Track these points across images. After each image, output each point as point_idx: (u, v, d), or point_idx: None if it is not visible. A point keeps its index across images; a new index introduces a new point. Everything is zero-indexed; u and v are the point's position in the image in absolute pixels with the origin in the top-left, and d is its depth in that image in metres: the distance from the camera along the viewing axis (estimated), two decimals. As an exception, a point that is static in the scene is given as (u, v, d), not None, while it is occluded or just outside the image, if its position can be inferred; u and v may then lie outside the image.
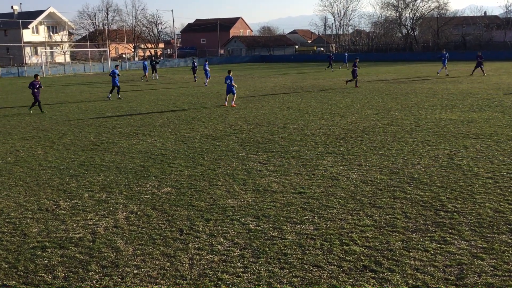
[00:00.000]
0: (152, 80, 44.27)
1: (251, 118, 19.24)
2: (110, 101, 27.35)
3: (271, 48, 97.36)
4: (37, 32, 77.17)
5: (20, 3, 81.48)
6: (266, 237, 7.43)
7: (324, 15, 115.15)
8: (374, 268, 6.35)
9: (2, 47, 70.22)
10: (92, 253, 7.05)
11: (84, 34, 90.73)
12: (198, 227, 7.93)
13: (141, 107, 24.16)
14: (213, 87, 34.62)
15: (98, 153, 13.65)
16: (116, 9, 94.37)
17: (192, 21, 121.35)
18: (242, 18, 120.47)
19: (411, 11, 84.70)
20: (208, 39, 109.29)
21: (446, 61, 39.06)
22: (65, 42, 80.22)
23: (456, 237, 7.23)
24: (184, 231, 7.77)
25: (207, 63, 38.67)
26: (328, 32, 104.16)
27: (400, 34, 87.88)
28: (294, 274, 6.25)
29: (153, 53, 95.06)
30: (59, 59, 77.05)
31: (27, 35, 72.67)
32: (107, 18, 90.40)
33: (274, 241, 7.27)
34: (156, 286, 6.07)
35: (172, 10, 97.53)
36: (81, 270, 6.52)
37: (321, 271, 6.31)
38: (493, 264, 6.37)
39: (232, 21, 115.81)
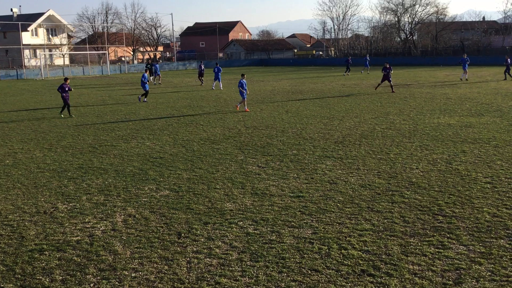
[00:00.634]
0: (149, 82, 44.33)
1: (250, 122, 19.25)
2: (108, 105, 27.34)
3: (270, 52, 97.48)
4: (36, 34, 77.22)
5: (20, 6, 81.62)
6: (264, 241, 7.42)
7: (323, 19, 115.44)
8: (372, 272, 6.35)
9: (1, 50, 70.27)
10: (90, 256, 7.04)
11: (83, 37, 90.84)
12: (196, 230, 7.93)
13: (140, 110, 24.16)
14: (212, 90, 34.64)
15: (97, 156, 13.64)
16: (115, 12, 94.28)
17: (191, 24, 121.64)
18: (241, 22, 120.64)
19: (409, 16, 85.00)
20: (207, 43, 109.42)
21: (467, 65, 37.82)
22: (64, 45, 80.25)
23: (454, 242, 7.23)
24: (182, 235, 7.76)
25: (218, 66, 36.97)
26: (327, 36, 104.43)
27: (398, 39, 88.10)
28: (292, 278, 6.24)
29: (151, 57, 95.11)
30: (58, 61, 77.07)
31: (26, 37, 72.70)
32: (107, 21, 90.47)
33: (272, 245, 7.26)
34: (153, 290, 6.06)
35: (171, 14, 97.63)
36: (78, 273, 6.51)
37: (319, 275, 6.31)
38: (491, 269, 6.37)
39: (231, 25, 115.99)
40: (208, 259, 6.85)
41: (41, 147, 15.18)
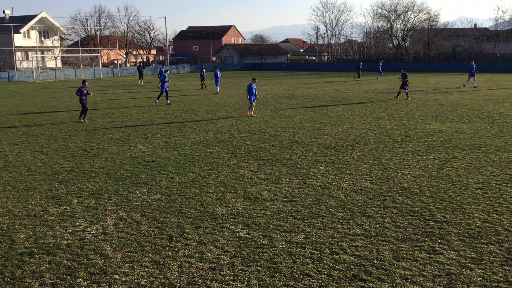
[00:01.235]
0: (139, 85, 44.69)
1: (243, 126, 19.25)
2: (100, 108, 27.24)
3: (263, 56, 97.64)
4: (29, 36, 76.82)
5: (12, 8, 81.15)
6: (256, 245, 7.41)
7: (317, 25, 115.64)
8: (364, 277, 6.36)
9: (-7, 51, 69.77)
10: (80, 259, 6.99)
11: (76, 40, 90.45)
12: (188, 234, 7.90)
13: (132, 113, 24.08)
14: (205, 94, 34.60)
15: (88, 159, 13.57)
16: (108, 15, 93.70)
17: (184, 28, 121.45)
18: (234, 26, 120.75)
19: (402, 22, 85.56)
20: (201, 47, 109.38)
21: (475, 72, 37.51)
22: (57, 47, 79.88)
23: (445, 247, 7.26)
24: (174, 239, 7.73)
25: (217, 70, 36.74)
26: (320, 41, 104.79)
27: (391, 45, 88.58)
28: (283, 283, 6.23)
29: (144, 60, 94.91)
30: (50, 64, 76.70)
31: (19, 39, 72.31)
32: (99, 23, 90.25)
33: (264, 249, 7.25)
34: (144, 294, 6.02)
35: (165, 17, 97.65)
36: (68, 277, 6.46)
37: (311, 280, 6.30)
38: (481, 274, 6.39)
39: (224, 29, 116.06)
40: (199, 263, 6.82)
41: (32, 149, 15.08)
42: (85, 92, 21.28)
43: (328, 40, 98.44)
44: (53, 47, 78.68)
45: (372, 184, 10.65)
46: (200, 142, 15.86)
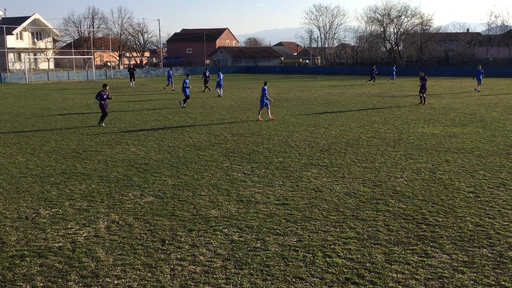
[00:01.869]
0: (130, 88, 44.85)
1: (236, 129, 19.25)
2: (93, 110, 27.15)
3: (257, 59, 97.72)
4: (21, 38, 76.43)
5: (5, 9, 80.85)
6: (249, 248, 7.40)
7: (310, 28, 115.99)
8: (356, 280, 6.36)
9: (-15, 53, 69.33)
10: (72, 262, 6.95)
11: (69, 41, 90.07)
12: (181, 237, 7.87)
13: (125, 115, 24.01)
14: (198, 97, 34.56)
15: (80, 161, 13.51)
16: (102, 17, 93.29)
17: (178, 30, 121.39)
18: (228, 29, 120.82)
19: (395, 26, 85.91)
20: (194, 49, 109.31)
21: (481, 76, 37.57)
22: (50, 49, 79.52)
23: (437, 251, 7.28)
24: (166, 242, 7.70)
25: (220, 72, 36.33)
26: (314, 45, 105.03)
27: (384, 49, 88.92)
28: (276, 286, 6.22)
29: (138, 62, 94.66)
30: (43, 66, 76.33)
31: (11, 41, 71.94)
32: (93, 25, 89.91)
33: (257, 253, 7.24)
34: (136, 297, 5.99)
35: (158, 20, 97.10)
36: (60, 280, 6.41)
37: (304, 283, 6.30)
38: (473, 278, 6.42)
39: (218, 32, 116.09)
40: (192, 267, 6.80)
41: (24, 151, 14.99)
42: (105, 96, 20.37)
43: (321, 44, 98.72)
44: (46, 48, 78.34)
45: (365, 187, 10.67)
46: (193, 145, 15.84)
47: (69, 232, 8.15)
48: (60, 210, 9.27)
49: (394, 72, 51.73)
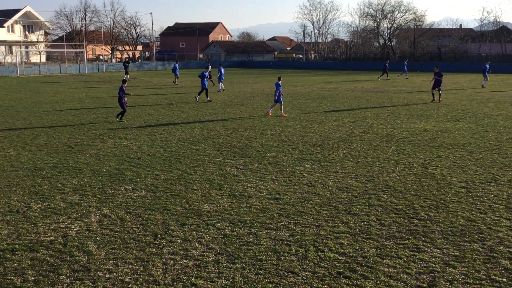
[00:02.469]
0: (129, 81, 44.56)
1: (229, 123, 19.22)
2: (85, 104, 26.98)
3: (250, 54, 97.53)
4: (13, 31, 75.80)
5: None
6: (241, 243, 7.40)
7: (304, 23, 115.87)
8: (348, 274, 6.38)
9: (-24, 45, 68.75)
10: (64, 256, 6.92)
11: (61, 35, 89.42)
12: (173, 231, 7.86)
13: (118, 109, 23.88)
14: (191, 91, 34.45)
15: (72, 155, 13.43)
16: (94, 10, 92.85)
17: (171, 24, 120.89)
18: (221, 23, 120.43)
19: (388, 22, 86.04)
20: (187, 43, 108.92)
21: (486, 73, 37.52)
22: (41, 42, 78.93)
23: (429, 245, 7.32)
24: (159, 236, 7.69)
25: (222, 67, 35.52)
26: (307, 39, 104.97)
27: (377, 44, 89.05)
28: (268, 280, 6.23)
29: (131, 55, 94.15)
30: (35, 59, 75.77)
31: (2, 34, 71.35)
32: (85, 19, 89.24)
33: (249, 247, 7.24)
34: (128, 291, 5.98)
35: (151, 13, 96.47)
36: (51, 274, 6.38)
37: (296, 277, 6.31)
38: (464, 272, 6.46)
39: (211, 26, 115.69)
40: (184, 261, 6.80)
41: (15, 145, 14.88)
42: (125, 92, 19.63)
43: (315, 39, 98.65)
44: (38, 41, 77.77)
45: (357, 182, 10.70)
46: (186, 139, 15.80)
47: (60, 226, 8.12)
48: (52, 204, 9.22)
49: (405, 67, 50.84)
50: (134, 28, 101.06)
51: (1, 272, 6.44)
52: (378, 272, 6.45)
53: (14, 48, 71.01)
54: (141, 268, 6.57)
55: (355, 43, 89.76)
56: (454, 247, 7.24)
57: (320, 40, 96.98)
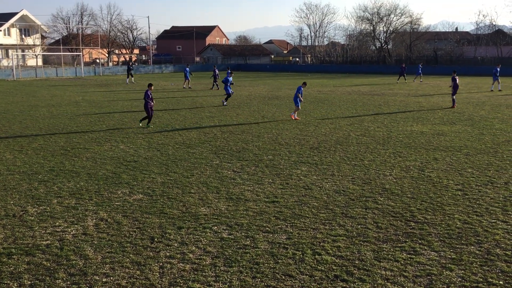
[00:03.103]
0: (127, 84, 44.66)
1: (226, 126, 19.21)
2: (82, 107, 26.95)
3: (247, 57, 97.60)
4: (9, 34, 75.72)
5: (-8, 5, 79.97)
6: (238, 246, 7.39)
7: (300, 26, 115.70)
8: (345, 277, 6.38)
9: (-28, 49, 68.59)
10: (60, 260, 6.90)
11: (57, 38, 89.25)
12: (170, 235, 7.84)
13: (115, 113, 23.87)
14: (187, 93, 34.46)
15: (69, 159, 13.40)
16: (91, 14, 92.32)
17: (168, 28, 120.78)
18: (218, 27, 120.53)
19: (384, 25, 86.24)
20: (184, 47, 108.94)
21: (498, 76, 36.87)
22: (38, 45, 78.81)
23: (425, 248, 7.32)
24: (155, 239, 7.67)
25: (229, 70, 34.49)
26: (304, 43, 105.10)
27: (374, 47, 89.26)
28: (266, 284, 6.22)
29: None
30: (31, 62, 75.66)
31: (-2, 37, 71.26)
32: (82, 22, 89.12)
33: (247, 250, 7.24)
34: (125, 295, 5.96)
35: (148, 16, 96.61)
36: (48, 278, 6.36)
37: (293, 281, 6.31)
38: (461, 275, 6.47)
39: (208, 29, 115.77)
40: (181, 264, 6.78)
41: (12, 149, 14.84)
42: (151, 96, 18.82)
43: (311, 42, 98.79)
44: (34, 45, 77.65)
45: (354, 185, 10.71)
46: (183, 142, 15.79)
47: (57, 230, 8.09)
48: (48, 208, 9.19)
49: (419, 70, 50.33)
50: (131, 31, 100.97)
51: (-3, 276, 6.41)
52: (375, 275, 6.45)
53: (10, 51, 70.92)
54: (138, 272, 6.55)
55: (352, 46, 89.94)
56: (451, 250, 7.25)
57: (316, 43, 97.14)
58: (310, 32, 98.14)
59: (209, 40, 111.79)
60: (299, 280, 6.32)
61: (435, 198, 9.75)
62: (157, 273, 6.52)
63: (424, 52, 79.62)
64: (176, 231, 8.00)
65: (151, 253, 7.15)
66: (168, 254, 7.12)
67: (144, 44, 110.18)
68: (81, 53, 68.84)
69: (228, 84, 27.16)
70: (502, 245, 7.40)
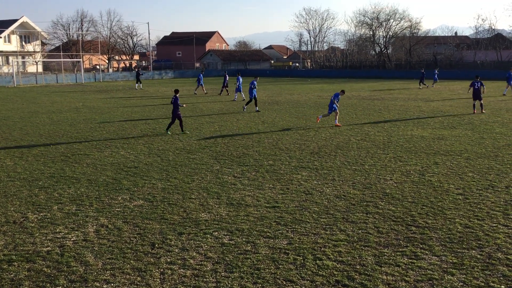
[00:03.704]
0: (136, 90, 45.28)
1: (226, 132, 19.22)
2: (82, 113, 26.98)
3: (247, 62, 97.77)
4: (9, 41, 75.92)
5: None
6: (239, 252, 7.37)
7: (300, 32, 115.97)
8: (347, 283, 6.36)
9: (-27, 56, 68.76)
10: (60, 267, 6.88)
11: (57, 45, 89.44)
12: (171, 241, 7.83)
13: (115, 118, 23.89)
14: (188, 100, 34.49)
15: (69, 165, 13.40)
16: (91, 20, 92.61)
17: (168, 33, 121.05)
18: (218, 32, 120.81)
19: (384, 30, 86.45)
20: (184, 52, 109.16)
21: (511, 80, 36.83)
22: (38, 52, 78.99)
23: (427, 252, 7.31)
24: (156, 245, 7.65)
25: (239, 76, 34.98)
26: (304, 48, 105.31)
27: (373, 52, 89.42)
28: (266, 289, 6.20)
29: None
30: (31, 69, 75.82)
31: (-1, 44, 71.43)
32: (82, 29, 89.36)
33: (247, 256, 7.22)
34: (126, 301, 5.94)
35: (148, 22, 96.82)
36: (48, 285, 6.34)
37: (294, 286, 6.29)
38: (463, 279, 6.45)
39: (208, 35, 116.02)
40: (182, 270, 6.77)
41: (12, 155, 14.84)
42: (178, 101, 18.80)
43: (311, 47, 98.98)
44: (34, 52, 77.84)
45: (355, 190, 10.70)
46: (183, 148, 15.79)
47: (57, 236, 8.08)
48: (49, 214, 9.18)
49: (435, 76, 49.12)
50: (131, 37, 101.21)
51: (-2, 283, 6.39)
52: (377, 280, 6.43)
53: (10, 58, 71.07)
54: (139, 278, 6.54)
55: (351, 51, 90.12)
56: (452, 254, 7.23)
57: (316, 49, 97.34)
58: (310, 37, 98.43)
59: (209, 45, 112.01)
60: (300, 286, 6.30)
61: (436, 203, 9.73)
62: (158, 279, 6.50)
63: (424, 56, 79.79)
64: (177, 237, 7.99)
65: (151, 259, 7.13)
66: (168, 260, 7.11)
67: (144, 50, 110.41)
68: (81, 60, 68.99)
69: (253, 89, 26.71)
70: (504, 249, 7.39)
